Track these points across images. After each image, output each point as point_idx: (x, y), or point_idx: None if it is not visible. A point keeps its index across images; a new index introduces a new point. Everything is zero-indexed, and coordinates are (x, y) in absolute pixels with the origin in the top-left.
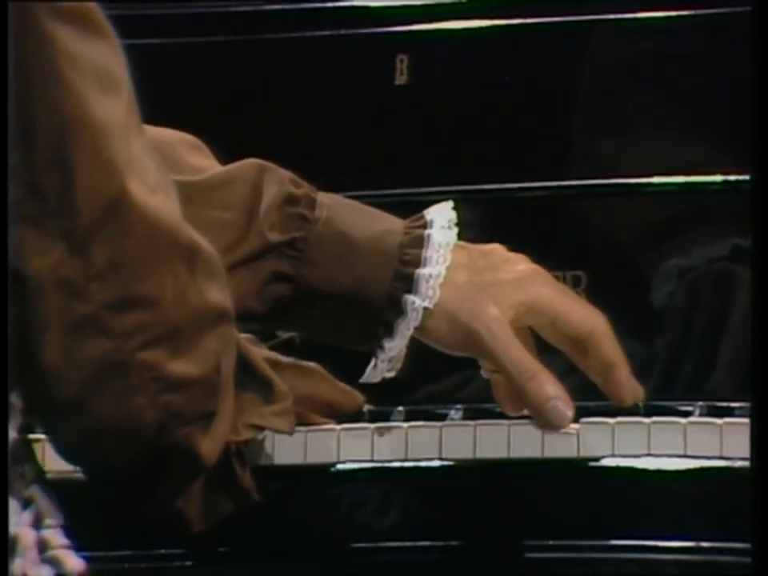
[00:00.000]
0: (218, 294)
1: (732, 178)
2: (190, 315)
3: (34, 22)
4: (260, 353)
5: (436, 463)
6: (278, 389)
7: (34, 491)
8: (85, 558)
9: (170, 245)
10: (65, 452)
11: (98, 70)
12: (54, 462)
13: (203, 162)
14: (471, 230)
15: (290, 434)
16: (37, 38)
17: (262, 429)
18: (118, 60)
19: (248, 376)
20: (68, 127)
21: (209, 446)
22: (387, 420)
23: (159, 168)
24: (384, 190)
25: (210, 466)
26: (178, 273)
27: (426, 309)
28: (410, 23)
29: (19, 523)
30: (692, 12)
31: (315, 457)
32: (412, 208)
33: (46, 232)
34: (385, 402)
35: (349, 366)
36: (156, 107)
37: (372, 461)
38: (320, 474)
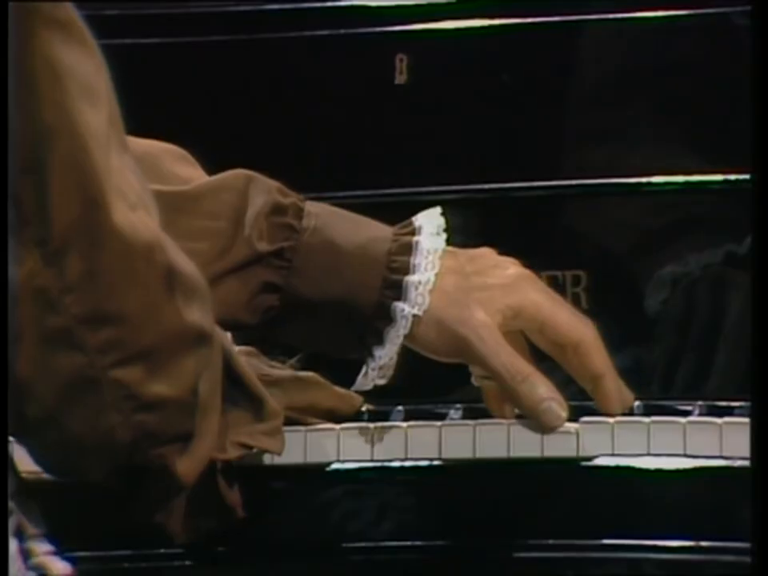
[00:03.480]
0: (198, 315)
1: (732, 177)
2: (166, 335)
3: (14, 26)
4: (258, 366)
5: (436, 463)
6: (268, 407)
7: (16, 502)
8: (83, 558)
9: (147, 263)
10: (40, 465)
11: (78, 79)
12: None
13: (190, 173)
14: (470, 229)
15: (279, 453)
16: (15, 42)
17: (249, 448)
18: (100, 73)
19: (238, 392)
20: (45, 134)
21: (186, 466)
22: (387, 420)
23: (142, 185)
24: (383, 189)
25: (188, 485)
26: (154, 292)
27: (415, 316)
28: (410, 23)
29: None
30: (692, 12)
31: (315, 457)
32: (411, 208)
33: (21, 240)
34: (384, 401)
35: (348, 369)
36: (155, 107)
37: (372, 461)
38: (320, 474)
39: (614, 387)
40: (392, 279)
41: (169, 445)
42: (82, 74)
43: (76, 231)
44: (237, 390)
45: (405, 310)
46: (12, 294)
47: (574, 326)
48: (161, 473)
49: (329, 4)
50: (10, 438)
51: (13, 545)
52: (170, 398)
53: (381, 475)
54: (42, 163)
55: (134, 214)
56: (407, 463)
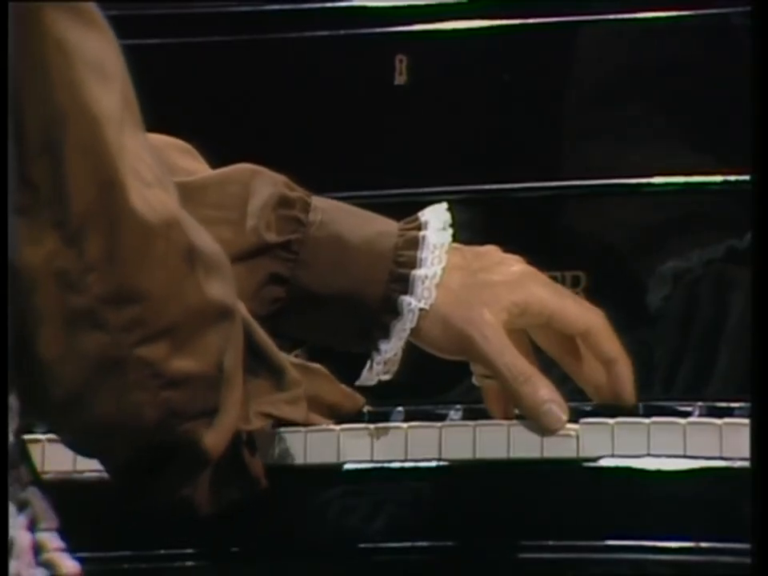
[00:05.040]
0: (220, 290)
1: (732, 178)
2: (188, 311)
3: (23, 9)
4: None
5: (436, 464)
6: (289, 376)
7: (30, 494)
8: (83, 558)
9: (166, 241)
10: (68, 446)
11: (89, 60)
12: (53, 463)
13: (194, 166)
14: (470, 230)
15: (303, 422)
16: (25, 24)
17: (273, 417)
18: (113, 53)
19: (259, 363)
20: (57, 116)
21: (213, 440)
22: (387, 420)
23: (158, 164)
24: (383, 190)
25: (214, 458)
26: (175, 269)
27: (422, 310)
28: (410, 23)
29: (15, 526)
30: (692, 12)
31: (315, 457)
32: (412, 208)
33: (38, 223)
34: (385, 402)
35: (347, 368)
36: (156, 107)
37: (372, 461)
38: (320, 475)
39: (628, 372)
40: (399, 273)
41: (196, 420)
42: (93, 54)
43: (93, 212)
44: (258, 360)
45: (412, 303)
46: (29, 277)
47: (582, 314)
48: (188, 448)
49: (329, 4)
50: (27, 435)
51: (26, 538)
52: (195, 373)
53: (381, 476)
54: (57, 145)
55: (150, 193)
56: (407, 464)
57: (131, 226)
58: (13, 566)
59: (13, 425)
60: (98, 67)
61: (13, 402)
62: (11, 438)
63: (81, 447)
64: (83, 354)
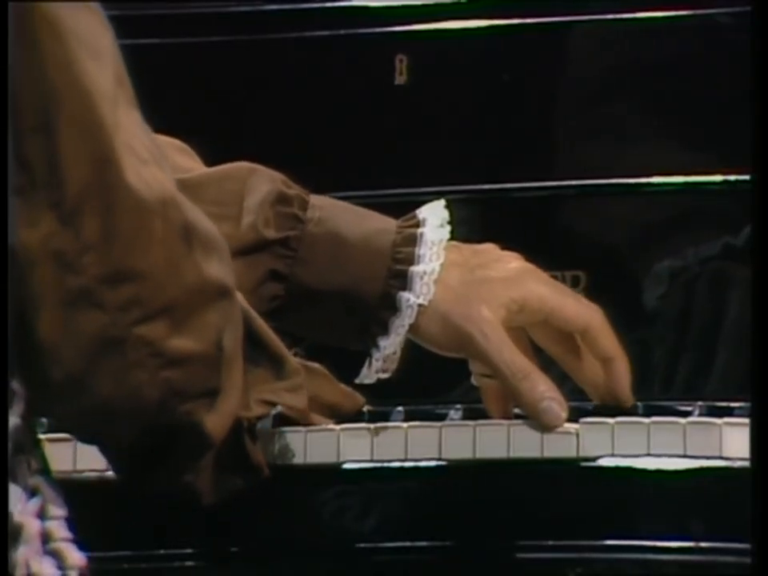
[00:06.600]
0: (218, 270)
1: (732, 178)
2: (186, 290)
3: None
4: None
5: (436, 463)
6: (289, 365)
7: (40, 480)
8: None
9: (162, 219)
10: (69, 432)
11: (81, 38)
12: (53, 462)
13: (190, 164)
14: (470, 229)
15: (303, 410)
16: (18, 4)
17: (273, 405)
18: (104, 32)
19: (259, 351)
20: (51, 94)
21: (214, 422)
22: (387, 420)
23: (153, 142)
24: (383, 189)
25: (216, 442)
26: (172, 247)
27: (420, 306)
28: (410, 23)
29: (24, 512)
30: (691, 12)
31: (315, 457)
32: (411, 208)
33: (35, 203)
34: (384, 402)
35: (346, 367)
36: (155, 107)
37: (372, 461)
38: (320, 474)
39: (625, 370)
40: (397, 270)
41: (196, 400)
42: (85, 32)
43: (89, 191)
44: (257, 349)
45: (410, 299)
46: (27, 258)
47: (581, 311)
48: (190, 430)
49: (329, 4)
50: (45, 437)
51: (35, 525)
52: (194, 352)
53: (381, 475)
54: (51, 124)
55: (145, 170)
56: (407, 464)
57: (127, 204)
58: (21, 551)
59: (18, 409)
60: (90, 45)
61: (17, 387)
62: (17, 420)
63: (82, 432)
64: (82, 335)
